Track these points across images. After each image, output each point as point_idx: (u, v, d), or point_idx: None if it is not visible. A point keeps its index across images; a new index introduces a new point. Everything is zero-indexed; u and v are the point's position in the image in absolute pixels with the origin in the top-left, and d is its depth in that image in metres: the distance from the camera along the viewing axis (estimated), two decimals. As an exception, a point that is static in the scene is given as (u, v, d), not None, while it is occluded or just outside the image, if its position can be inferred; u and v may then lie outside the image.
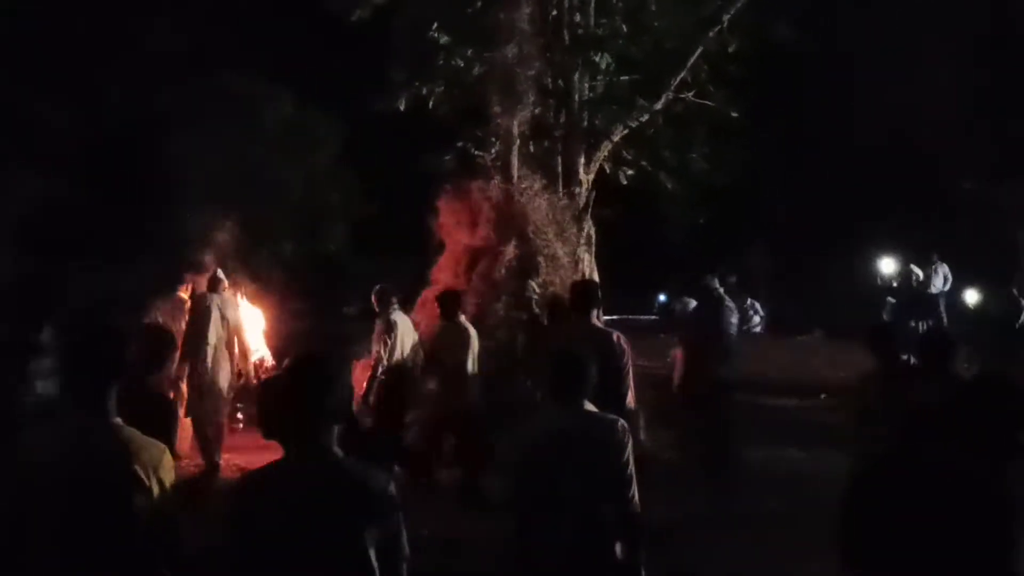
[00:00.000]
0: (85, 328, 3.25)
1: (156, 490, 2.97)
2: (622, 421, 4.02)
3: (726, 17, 12.93)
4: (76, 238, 16.22)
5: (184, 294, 9.78)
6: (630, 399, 5.65)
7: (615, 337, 5.72)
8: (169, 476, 3.04)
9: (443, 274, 11.31)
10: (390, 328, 8.93)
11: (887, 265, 19.26)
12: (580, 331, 5.76)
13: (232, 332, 9.46)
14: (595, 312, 5.84)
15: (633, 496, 3.98)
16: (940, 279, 17.25)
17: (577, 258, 11.88)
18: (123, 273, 15.75)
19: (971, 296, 16.30)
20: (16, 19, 16.03)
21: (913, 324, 15.68)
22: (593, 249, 12.59)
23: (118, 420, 3.03)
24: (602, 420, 4.05)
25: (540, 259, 10.98)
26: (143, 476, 2.93)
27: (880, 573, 3.26)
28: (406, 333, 9.14)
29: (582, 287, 6.50)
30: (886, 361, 5.66)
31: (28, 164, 16.28)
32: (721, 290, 9.39)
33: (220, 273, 9.75)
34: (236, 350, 9.51)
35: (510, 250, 10.89)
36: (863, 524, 3.32)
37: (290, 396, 3.03)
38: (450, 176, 12.16)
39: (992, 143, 17.68)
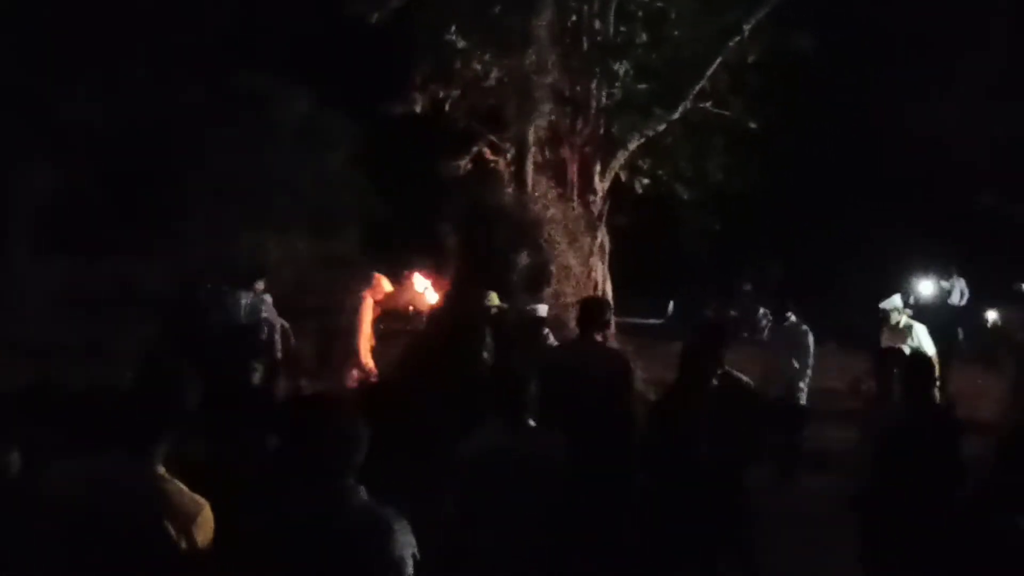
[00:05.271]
0: (147, 367, 3.09)
1: (184, 547, 2.79)
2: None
3: (746, 27, 12.77)
4: (92, 231, 16.28)
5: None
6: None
7: (617, 357, 5.67)
8: (205, 533, 2.86)
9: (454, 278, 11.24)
10: None
11: (909, 280, 19.06)
12: (580, 350, 5.73)
13: None
14: (597, 331, 5.71)
15: None
16: (957, 294, 17.09)
17: (590, 268, 11.80)
18: (139, 267, 15.82)
19: (991, 314, 16.03)
20: (38, 12, 16.10)
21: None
22: (607, 259, 12.51)
23: (161, 469, 2.88)
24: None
25: (552, 268, 10.89)
26: (172, 532, 2.77)
27: None
28: None
29: (584, 304, 6.27)
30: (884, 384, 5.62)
31: (46, 157, 16.37)
32: None
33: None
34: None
35: (522, 259, 10.79)
36: None
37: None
38: (464, 181, 12.09)
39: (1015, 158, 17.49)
